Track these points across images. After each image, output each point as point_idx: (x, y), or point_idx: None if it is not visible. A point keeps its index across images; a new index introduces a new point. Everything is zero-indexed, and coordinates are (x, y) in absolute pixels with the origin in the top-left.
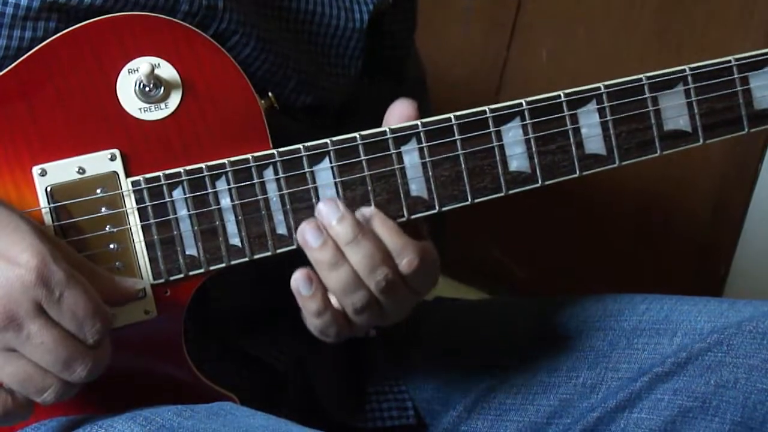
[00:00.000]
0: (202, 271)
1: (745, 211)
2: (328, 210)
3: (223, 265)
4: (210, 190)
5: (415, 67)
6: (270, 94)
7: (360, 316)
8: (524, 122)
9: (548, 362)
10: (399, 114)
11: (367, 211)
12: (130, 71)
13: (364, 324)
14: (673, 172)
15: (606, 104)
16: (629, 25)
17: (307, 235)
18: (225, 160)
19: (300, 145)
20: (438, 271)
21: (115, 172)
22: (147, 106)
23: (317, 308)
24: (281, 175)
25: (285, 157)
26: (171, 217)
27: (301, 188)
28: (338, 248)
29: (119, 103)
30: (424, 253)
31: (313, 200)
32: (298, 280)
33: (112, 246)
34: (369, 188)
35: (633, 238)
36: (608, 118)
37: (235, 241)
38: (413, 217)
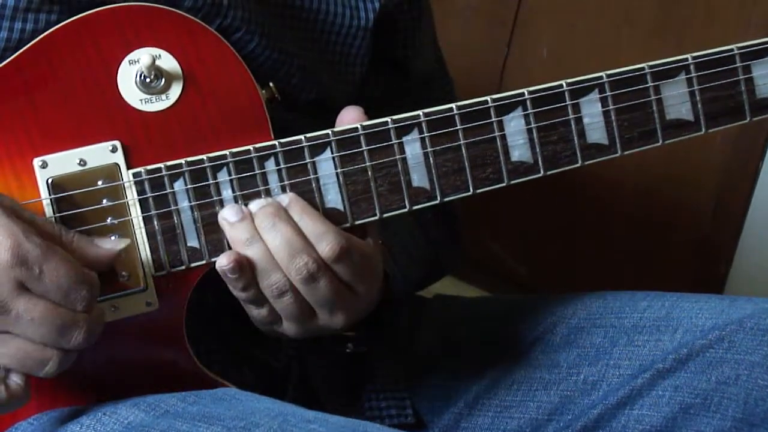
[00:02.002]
0: (203, 262)
1: (746, 209)
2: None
3: None
4: (211, 182)
5: (426, 59)
6: (271, 84)
7: (280, 300)
8: (526, 112)
9: (549, 359)
10: (348, 121)
11: (285, 198)
12: (131, 62)
13: (293, 321)
14: (674, 170)
15: (608, 93)
16: (630, 20)
17: (225, 211)
18: (226, 152)
19: (301, 136)
20: (377, 271)
21: (117, 164)
22: (148, 97)
23: (244, 285)
24: (282, 166)
25: (286, 148)
26: (172, 208)
27: (302, 179)
28: (254, 228)
29: (120, 94)
30: (350, 242)
31: (315, 191)
32: (224, 265)
33: (113, 238)
34: (370, 179)
35: (634, 235)
36: (610, 107)
37: None
38: (415, 208)
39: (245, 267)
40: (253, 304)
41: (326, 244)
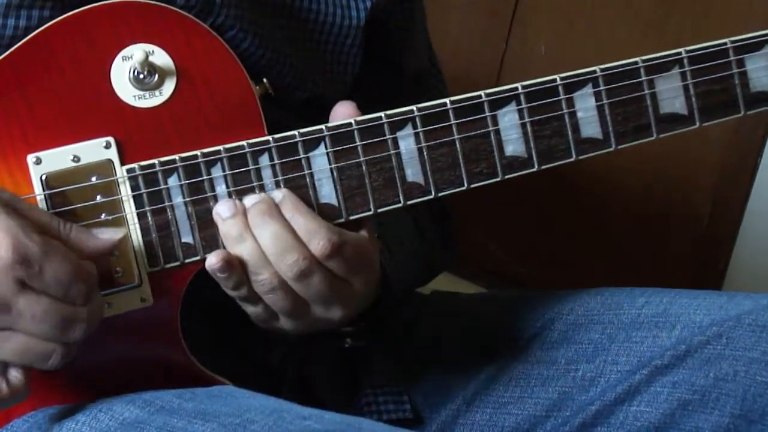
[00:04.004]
0: (198, 258)
1: (745, 205)
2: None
3: None
4: (205, 177)
5: (418, 58)
6: (264, 80)
7: (270, 297)
8: (520, 106)
9: (547, 355)
10: (342, 116)
11: (279, 193)
12: (124, 58)
13: (288, 316)
14: (672, 166)
15: (602, 88)
16: (628, 17)
17: (219, 206)
18: (220, 147)
19: (295, 132)
20: (373, 263)
21: (110, 160)
22: (141, 93)
23: (235, 284)
24: (276, 161)
25: (280, 143)
26: (166, 204)
27: (296, 174)
28: (246, 224)
29: (114, 90)
30: (342, 237)
31: (309, 186)
32: (213, 264)
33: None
34: (364, 174)
35: (632, 231)
36: (604, 101)
37: None
38: (409, 202)
39: (235, 266)
40: (247, 302)
41: (318, 240)
